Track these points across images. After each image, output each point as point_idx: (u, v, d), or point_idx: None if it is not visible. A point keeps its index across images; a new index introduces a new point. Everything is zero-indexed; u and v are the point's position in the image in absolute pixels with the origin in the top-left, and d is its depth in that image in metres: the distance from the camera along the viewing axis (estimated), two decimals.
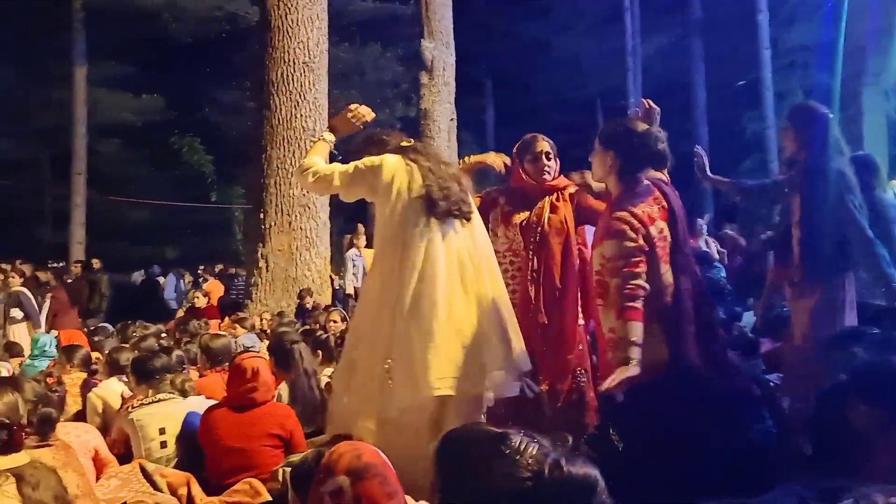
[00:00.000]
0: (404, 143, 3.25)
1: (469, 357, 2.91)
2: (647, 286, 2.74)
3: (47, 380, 4.40)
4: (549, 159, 3.67)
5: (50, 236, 18.45)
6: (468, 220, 3.16)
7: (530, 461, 1.24)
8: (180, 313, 10.84)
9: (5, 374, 5.97)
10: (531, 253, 3.54)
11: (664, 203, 2.92)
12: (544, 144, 3.69)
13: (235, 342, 6.36)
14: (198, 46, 17.92)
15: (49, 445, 2.92)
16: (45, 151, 18.35)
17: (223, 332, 5.98)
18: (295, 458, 3.52)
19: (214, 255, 16.67)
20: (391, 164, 3.12)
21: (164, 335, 7.60)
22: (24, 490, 2.38)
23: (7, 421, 2.52)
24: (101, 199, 17.30)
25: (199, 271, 15.02)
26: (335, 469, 1.58)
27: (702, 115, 20.37)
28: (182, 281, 14.31)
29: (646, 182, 2.90)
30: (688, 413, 2.61)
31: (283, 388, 4.29)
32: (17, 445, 2.58)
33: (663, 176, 3.14)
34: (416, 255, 2.99)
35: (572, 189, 3.71)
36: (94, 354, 6.90)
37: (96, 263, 13.40)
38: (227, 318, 9.83)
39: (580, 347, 3.59)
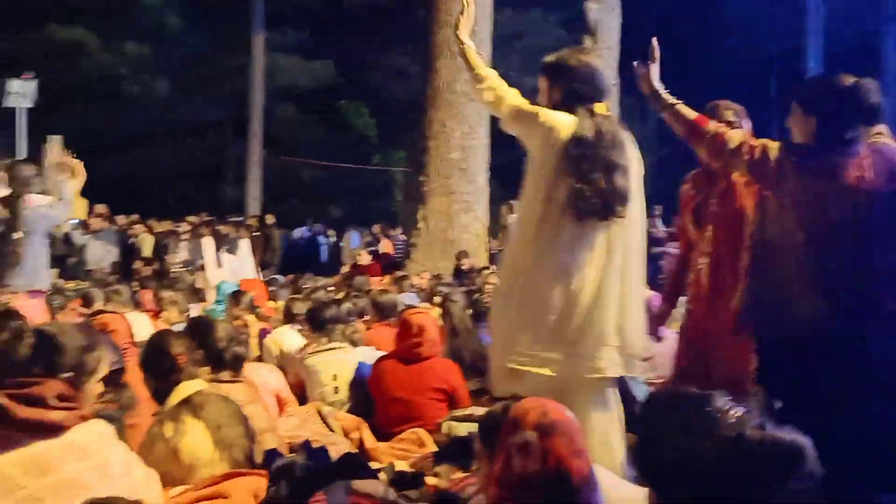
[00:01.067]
0: (597, 110, 2.76)
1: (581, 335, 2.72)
2: None
3: (233, 323, 4.76)
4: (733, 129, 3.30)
5: (230, 192, 19.92)
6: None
7: (733, 422, 1.23)
8: (344, 269, 11.37)
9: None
10: (713, 233, 3.16)
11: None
12: (727, 112, 3.16)
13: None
14: (367, 12, 18.45)
15: (239, 382, 3.18)
16: (227, 114, 19.70)
17: (397, 287, 6.21)
18: (459, 412, 3.63)
19: (374, 216, 17.28)
20: (566, 128, 2.70)
21: (330, 289, 8.03)
22: (199, 413, 2.58)
23: (176, 353, 2.75)
24: (275, 160, 18.39)
25: (374, 231, 15.59)
26: (522, 423, 1.61)
27: (892, 81, 18.50)
28: (359, 238, 14.84)
29: (860, 145, 2.57)
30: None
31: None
32: (189, 375, 2.77)
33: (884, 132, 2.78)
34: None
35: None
36: (270, 303, 7.45)
37: (269, 219, 14.30)
38: (387, 276, 10.23)
39: None
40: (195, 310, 6.76)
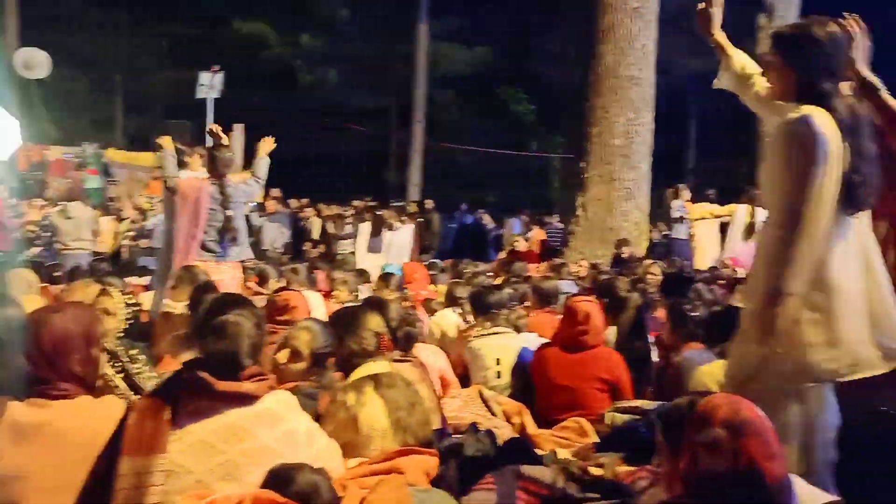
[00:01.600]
0: (850, 100, 2.47)
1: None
2: None
3: (402, 304, 4.91)
4: None
5: (393, 178, 20.60)
6: None
7: None
8: (502, 255, 11.43)
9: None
10: None
11: None
12: None
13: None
14: None
15: (408, 361, 3.29)
16: (392, 101, 20.34)
17: (555, 274, 6.17)
18: (623, 403, 3.56)
19: (530, 202, 17.24)
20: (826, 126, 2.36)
21: (489, 274, 8.10)
22: (383, 392, 2.70)
23: (378, 331, 2.88)
24: (436, 145, 18.80)
25: (523, 218, 15.60)
26: (712, 420, 1.55)
27: None
28: (520, 224, 14.86)
29: None
30: None
31: (611, 333, 4.33)
32: (381, 355, 2.93)
33: None
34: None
35: None
36: (431, 286, 7.64)
37: (429, 204, 14.64)
38: (544, 263, 10.18)
39: None
40: (364, 290, 7.06)
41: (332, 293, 6.32)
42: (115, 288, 3.68)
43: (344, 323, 2.86)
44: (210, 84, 13.01)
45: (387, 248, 12.07)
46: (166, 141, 5.78)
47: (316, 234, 13.35)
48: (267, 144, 6.08)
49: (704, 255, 10.81)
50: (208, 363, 2.10)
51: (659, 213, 12.02)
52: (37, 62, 13.70)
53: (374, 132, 20.16)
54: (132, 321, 3.43)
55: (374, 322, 2.84)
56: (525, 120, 21.59)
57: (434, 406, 3.12)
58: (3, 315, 2.89)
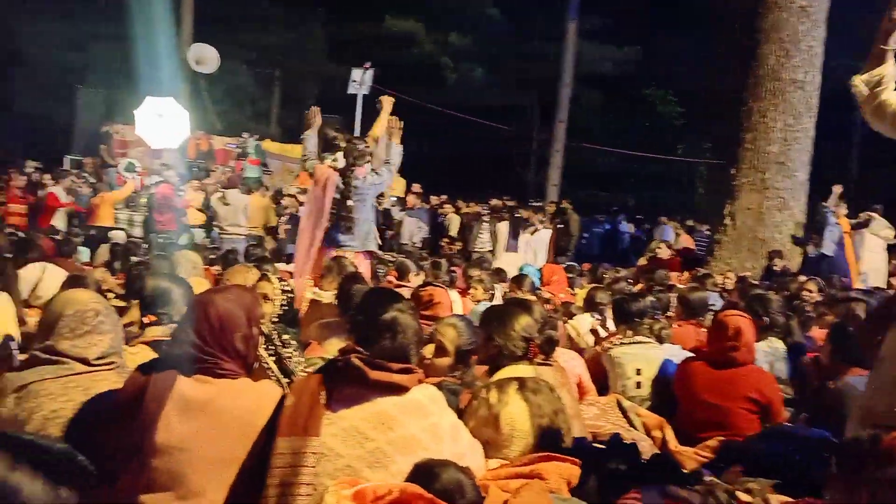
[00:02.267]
0: None
1: None
2: None
3: (543, 305, 4.88)
4: None
5: (532, 177, 20.50)
6: None
7: None
8: (642, 261, 11.12)
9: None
10: None
11: None
12: None
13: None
14: None
15: (550, 365, 3.26)
16: (535, 100, 20.25)
17: (700, 285, 5.93)
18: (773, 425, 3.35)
19: (672, 208, 16.66)
20: None
21: (629, 280, 7.91)
22: (528, 397, 2.69)
23: (527, 335, 2.86)
24: (577, 146, 18.53)
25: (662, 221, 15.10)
26: None
27: None
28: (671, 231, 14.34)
29: None
30: None
31: (761, 349, 4.11)
32: (527, 358, 2.91)
33: None
34: None
35: None
36: (568, 289, 7.55)
37: (567, 206, 14.45)
38: (686, 272, 9.81)
39: None
40: (499, 290, 7.09)
41: (469, 291, 6.38)
42: (272, 274, 3.87)
43: (492, 322, 2.87)
44: (361, 80, 13.44)
45: (524, 249, 12.05)
46: (315, 115, 5.90)
47: (454, 231, 13.52)
48: (388, 103, 6.16)
49: (874, 276, 10.06)
50: (373, 353, 2.16)
51: (815, 224, 11.28)
52: (207, 58, 14.70)
53: (516, 131, 20.13)
54: (286, 307, 3.59)
55: (523, 323, 2.82)
56: (671, 123, 20.86)
57: (575, 413, 3.08)
58: (176, 293, 3.14)
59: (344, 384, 2.15)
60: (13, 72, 20.68)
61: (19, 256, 5.29)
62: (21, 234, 7.54)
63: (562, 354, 3.97)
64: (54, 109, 18.79)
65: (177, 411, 2.17)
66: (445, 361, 2.88)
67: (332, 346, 3.89)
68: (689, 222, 14.16)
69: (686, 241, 12.73)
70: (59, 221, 11.06)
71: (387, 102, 6.23)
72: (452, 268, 7.50)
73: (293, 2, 22.19)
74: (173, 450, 2.14)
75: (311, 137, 5.88)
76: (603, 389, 4.11)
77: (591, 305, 5.37)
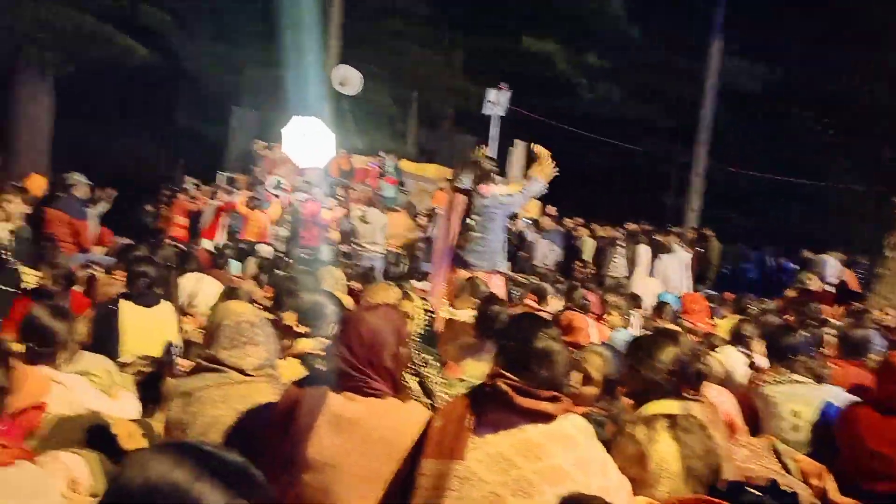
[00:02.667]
0: None
1: None
2: None
3: (688, 335, 4.67)
4: None
5: (671, 202, 19.82)
6: None
7: None
8: (790, 293, 10.47)
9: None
10: None
11: None
12: None
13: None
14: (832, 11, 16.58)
15: (699, 401, 3.09)
16: (676, 121, 19.63)
17: (860, 321, 5.50)
18: None
19: (825, 238, 15.57)
20: None
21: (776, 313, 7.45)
22: (678, 436, 2.56)
23: (675, 368, 2.73)
24: (720, 169, 17.75)
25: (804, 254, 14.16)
26: None
27: None
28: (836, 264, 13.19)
29: None
30: None
31: None
32: (676, 393, 2.77)
33: None
34: None
35: None
36: (708, 320, 7.20)
37: (708, 232, 13.86)
38: (841, 307, 9.15)
39: None
40: (635, 317, 6.87)
41: (604, 317, 6.21)
42: (414, 292, 3.91)
43: (638, 352, 2.76)
44: (497, 101, 13.55)
45: (662, 275, 11.65)
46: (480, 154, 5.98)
47: (587, 255, 13.27)
48: (545, 167, 6.01)
49: None
50: (521, 380, 2.13)
51: None
52: (350, 79, 15.31)
53: (654, 152, 19.55)
54: (428, 326, 3.61)
55: (671, 355, 2.70)
56: (821, 146, 19.55)
57: (726, 454, 2.90)
58: (327, 308, 3.24)
59: (491, 409, 2.13)
60: (177, 89, 22.38)
61: (180, 268, 5.65)
62: (182, 247, 8.08)
63: (710, 390, 3.77)
64: (210, 128, 20.16)
65: (328, 427, 2.22)
66: (592, 391, 2.81)
67: (469, 368, 3.89)
68: (834, 253, 13.13)
69: (848, 276, 11.80)
70: (219, 235, 11.78)
71: (544, 155, 6.13)
72: (588, 293, 7.35)
73: (432, 23, 22.72)
74: (323, 465, 2.19)
75: (467, 167, 5.91)
76: (753, 429, 3.86)
77: (737, 339, 5.09)
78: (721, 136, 18.46)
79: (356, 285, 6.47)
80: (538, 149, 6.15)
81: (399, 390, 2.38)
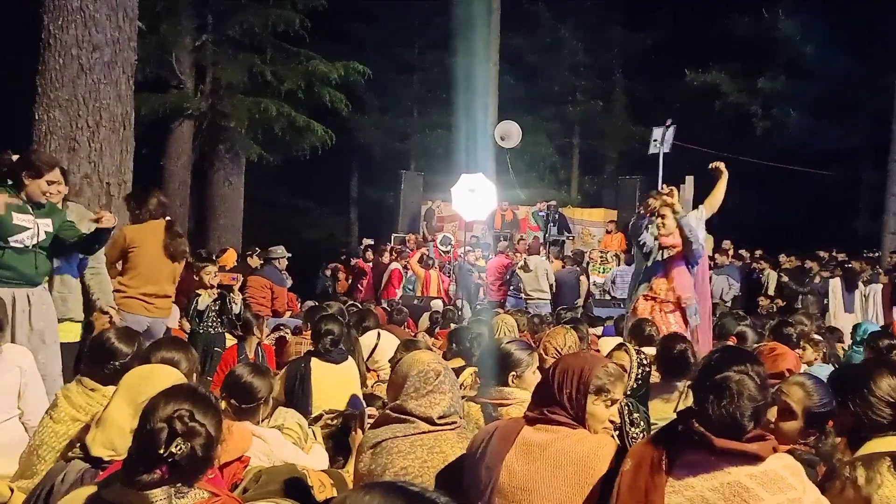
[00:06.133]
0: None
1: None
2: None
3: None
4: None
5: (864, 226, 18.22)
6: None
7: None
8: None
9: None
10: None
11: None
12: None
13: None
14: None
15: None
16: (863, 140, 18.17)
17: None
18: None
19: None
20: None
21: None
22: None
23: (891, 400, 2.43)
24: None
25: None
26: None
27: None
28: None
29: None
30: None
31: None
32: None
33: None
34: None
35: None
36: None
37: None
38: None
39: None
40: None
41: (797, 352, 5.72)
42: (631, 346, 3.73)
43: (850, 383, 2.49)
44: (661, 139, 13.17)
45: (861, 305, 10.65)
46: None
47: (772, 289, 12.39)
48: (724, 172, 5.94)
49: None
50: (707, 419, 2.00)
51: None
52: (511, 133, 15.57)
53: (841, 176, 18.09)
54: (641, 381, 3.40)
55: (888, 387, 2.41)
56: None
57: None
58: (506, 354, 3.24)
59: (687, 450, 2.00)
60: (350, 161, 23.85)
61: (360, 326, 5.91)
62: (360, 306, 8.47)
63: None
64: (382, 193, 21.21)
65: (519, 455, 2.29)
66: (794, 426, 2.56)
67: (657, 409, 3.70)
68: None
69: None
70: (397, 293, 12.30)
71: (723, 171, 5.99)
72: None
73: (595, 71, 22.76)
74: (515, 490, 2.25)
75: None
76: None
77: None
78: None
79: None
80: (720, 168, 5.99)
81: (583, 424, 2.33)
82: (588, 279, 12.89)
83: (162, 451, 1.75)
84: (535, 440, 2.28)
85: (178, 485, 1.79)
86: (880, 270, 11.81)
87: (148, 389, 2.10)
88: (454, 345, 5.00)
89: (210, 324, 6.07)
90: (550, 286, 11.54)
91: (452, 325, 7.22)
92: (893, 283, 11.57)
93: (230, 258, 9.82)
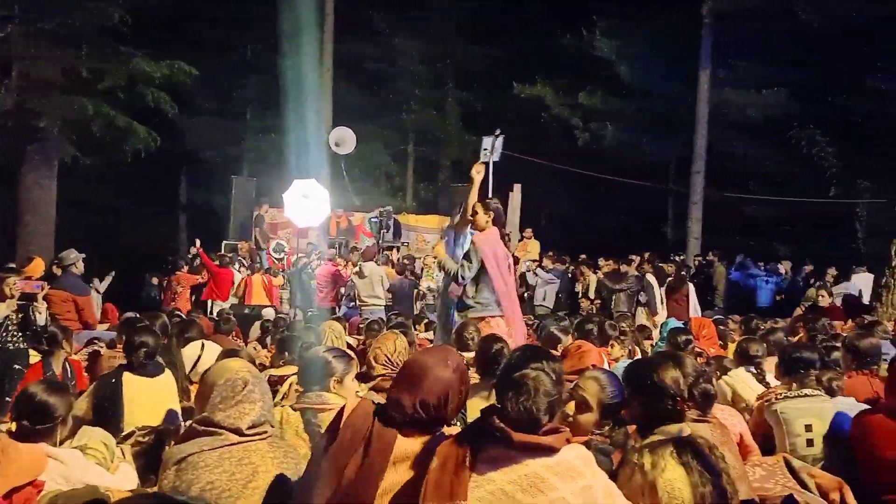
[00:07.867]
0: None
1: None
2: None
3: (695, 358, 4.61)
4: None
5: (672, 233, 19.88)
6: None
7: None
8: (798, 311, 10.38)
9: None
10: None
11: None
12: None
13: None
14: (837, 34, 16.68)
15: (708, 421, 3.04)
16: (672, 154, 19.83)
17: (869, 332, 5.40)
18: None
19: (826, 253, 15.44)
20: None
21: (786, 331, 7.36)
22: (687, 461, 2.49)
23: (675, 391, 2.68)
24: (719, 196, 17.79)
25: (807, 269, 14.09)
26: None
27: None
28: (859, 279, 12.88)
29: None
30: None
31: None
32: (680, 416, 2.72)
33: None
34: None
35: None
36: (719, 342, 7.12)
37: (713, 257, 13.82)
38: (850, 321, 9.05)
39: None
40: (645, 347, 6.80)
41: (606, 348, 6.14)
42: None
43: (639, 376, 2.71)
44: (492, 147, 13.67)
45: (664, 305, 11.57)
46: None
47: (592, 291, 13.24)
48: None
49: None
50: (506, 414, 2.10)
51: None
52: (345, 140, 15.53)
53: (654, 186, 19.63)
54: None
55: (672, 378, 2.65)
56: (823, 164, 19.52)
57: (740, 474, 2.84)
58: (326, 361, 3.22)
59: (489, 445, 2.09)
60: (178, 165, 22.76)
61: (181, 336, 5.65)
62: (183, 315, 8.08)
63: (720, 411, 3.71)
64: (212, 199, 20.42)
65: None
66: (590, 418, 2.75)
67: (472, 407, 3.84)
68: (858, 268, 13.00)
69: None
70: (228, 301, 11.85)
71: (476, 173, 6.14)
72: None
73: (430, 81, 23.19)
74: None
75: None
76: (765, 448, 3.78)
77: (744, 358, 5.00)
78: (723, 163, 18.51)
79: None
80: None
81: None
82: (418, 286, 13.09)
83: None
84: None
85: None
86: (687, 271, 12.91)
87: None
88: (285, 353, 4.94)
89: (9, 338, 5.55)
90: (386, 292, 11.61)
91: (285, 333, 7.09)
92: (701, 283, 12.72)
93: (37, 268, 8.97)
